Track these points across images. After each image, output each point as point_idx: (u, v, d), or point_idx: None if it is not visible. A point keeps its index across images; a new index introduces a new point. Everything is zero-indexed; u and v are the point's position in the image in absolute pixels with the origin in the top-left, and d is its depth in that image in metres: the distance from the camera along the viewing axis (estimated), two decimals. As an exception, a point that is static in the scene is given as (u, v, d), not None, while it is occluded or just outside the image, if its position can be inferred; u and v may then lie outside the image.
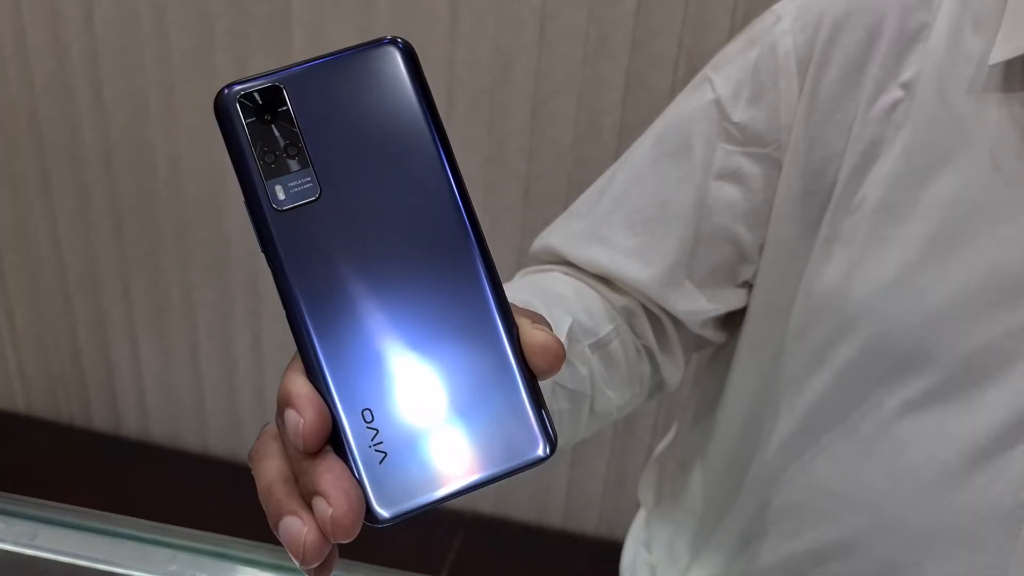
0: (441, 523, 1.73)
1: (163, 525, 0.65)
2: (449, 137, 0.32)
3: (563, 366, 0.51)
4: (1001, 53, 0.50)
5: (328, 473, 0.29)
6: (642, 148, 0.62)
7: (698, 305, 0.60)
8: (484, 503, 1.73)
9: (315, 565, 0.30)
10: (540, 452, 0.31)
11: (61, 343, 1.83)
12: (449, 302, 0.31)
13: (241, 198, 0.31)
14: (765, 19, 0.58)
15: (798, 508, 0.61)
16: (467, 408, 0.31)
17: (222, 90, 0.31)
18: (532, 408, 0.31)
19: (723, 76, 0.58)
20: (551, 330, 0.33)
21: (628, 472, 1.62)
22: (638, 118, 1.34)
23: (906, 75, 0.53)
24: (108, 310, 1.77)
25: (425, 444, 0.31)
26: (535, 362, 0.31)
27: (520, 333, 0.32)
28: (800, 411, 0.60)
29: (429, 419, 0.31)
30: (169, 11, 1.46)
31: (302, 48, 1.42)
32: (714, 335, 0.64)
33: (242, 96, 0.31)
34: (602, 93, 1.35)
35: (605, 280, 0.61)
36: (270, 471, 0.31)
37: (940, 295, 0.53)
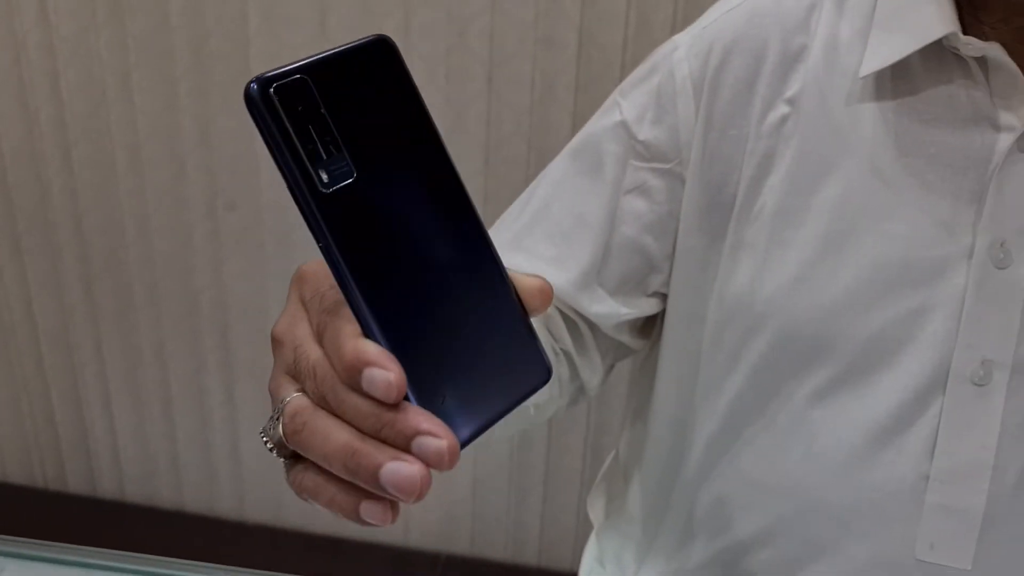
0: (418, 564, 1.74)
1: (134, 554, 0.67)
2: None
3: None
4: (870, 66, 0.56)
5: (420, 415, 0.32)
6: (560, 166, 0.67)
7: (610, 308, 0.64)
8: (460, 544, 1.75)
9: (421, 499, 0.32)
10: (545, 377, 0.38)
11: (35, 406, 1.84)
12: (464, 263, 0.36)
13: (286, 195, 0.33)
14: (665, 48, 0.64)
15: (727, 502, 0.65)
16: (491, 349, 0.37)
17: (251, 82, 0.33)
18: (535, 341, 0.38)
19: (630, 100, 0.64)
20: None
21: (599, 505, 1.65)
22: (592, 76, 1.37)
23: (790, 92, 0.59)
24: (81, 370, 1.79)
25: (468, 383, 0.36)
26: (532, 303, 0.37)
27: (516, 282, 0.37)
28: (722, 409, 0.64)
29: (467, 362, 0.36)
30: (133, 76, 1.52)
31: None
32: (631, 340, 0.68)
33: (277, 86, 0.33)
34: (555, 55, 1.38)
35: None
36: (339, 436, 0.33)
37: (835, 289, 0.58)
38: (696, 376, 0.66)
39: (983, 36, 0.54)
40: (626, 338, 0.67)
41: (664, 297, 0.66)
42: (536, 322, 0.63)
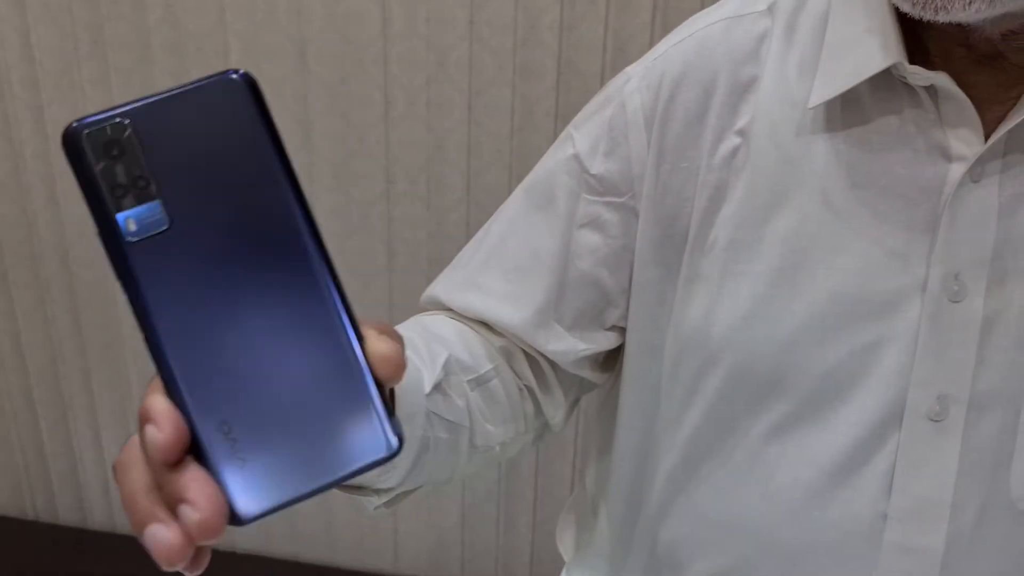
0: (408, 596, 1.72)
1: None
2: (294, 164, 0.34)
3: (440, 398, 0.54)
4: (819, 96, 0.55)
5: (193, 482, 0.32)
6: (515, 202, 0.66)
7: (567, 345, 0.64)
8: (449, 570, 1.73)
9: (176, 568, 0.32)
10: (385, 451, 0.34)
11: (25, 439, 1.84)
12: (297, 319, 0.34)
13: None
14: (618, 80, 0.63)
15: (687, 539, 0.64)
16: (317, 415, 0.34)
17: (68, 126, 0.32)
18: (378, 411, 0.34)
19: (582, 133, 0.63)
20: (397, 340, 0.36)
21: (590, 532, 1.63)
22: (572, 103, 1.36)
23: (741, 123, 0.58)
24: (70, 402, 1.78)
25: (279, 452, 0.33)
26: (377, 370, 0.34)
27: (365, 344, 0.34)
28: (680, 444, 0.63)
29: (283, 430, 0.33)
30: (117, 109, 1.52)
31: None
32: (592, 375, 0.67)
33: (88, 132, 0.32)
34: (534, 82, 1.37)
35: (485, 324, 0.65)
36: (134, 481, 0.33)
37: (789, 323, 0.57)
38: (656, 409, 0.65)
39: (931, 65, 0.54)
40: (587, 373, 0.67)
41: (622, 331, 0.66)
42: (500, 359, 0.62)
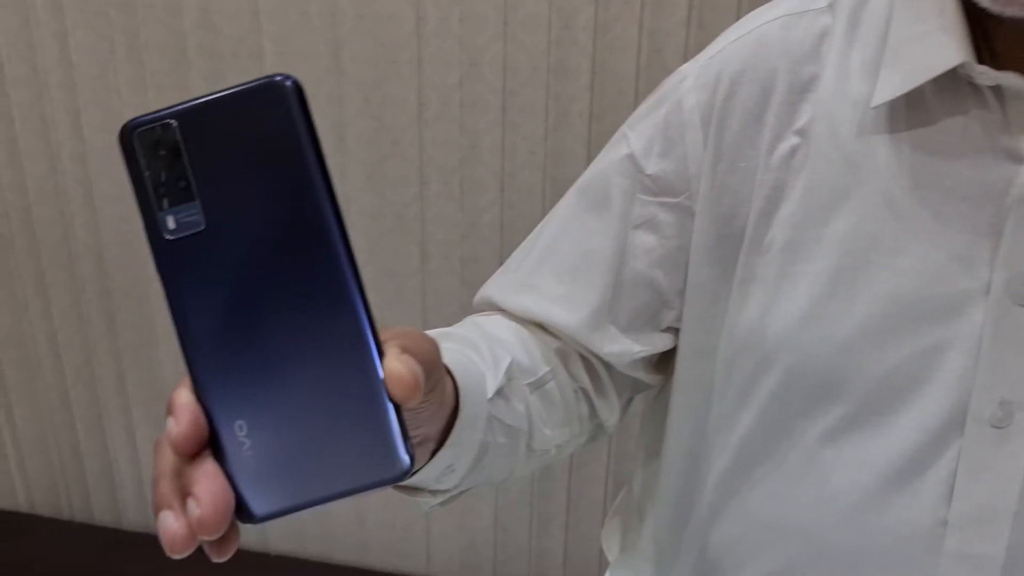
0: (440, 597, 1.72)
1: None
2: (331, 171, 0.34)
3: (502, 403, 0.54)
4: (882, 95, 0.54)
5: (202, 477, 0.33)
6: (568, 203, 0.66)
7: (623, 347, 0.63)
8: (482, 573, 1.73)
9: (181, 556, 0.33)
10: (395, 473, 0.34)
11: (61, 439, 1.86)
12: (321, 330, 0.34)
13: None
14: (673, 79, 0.62)
15: (738, 543, 0.63)
16: (331, 427, 0.34)
17: (124, 125, 0.34)
18: (391, 431, 0.34)
19: (637, 133, 0.63)
20: (425, 358, 0.35)
21: (623, 534, 1.62)
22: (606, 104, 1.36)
23: (800, 123, 0.57)
24: (105, 403, 1.80)
25: (291, 457, 0.34)
26: (391, 390, 0.34)
27: (383, 362, 0.34)
28: (732, 447, 0.62)
29: (296, 437, 0.34)
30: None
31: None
32: (647, 376, 0.67)
33: (140, 131, 0.33)
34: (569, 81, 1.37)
35: (540, 326, 0.65)
36: (162, 463, 0.34)
37: (847, 325, 0.56)
38: (708, 411, 0.64)
39: (998, 65, 0.52)
40: (641, 375, 0.66)
41: (677, 332, 0.65)
42: (556, 360, 0.62)
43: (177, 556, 0.33)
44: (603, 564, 1.66)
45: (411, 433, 0.41)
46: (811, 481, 0.59)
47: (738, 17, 1.28)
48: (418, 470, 0.48)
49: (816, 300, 0.57)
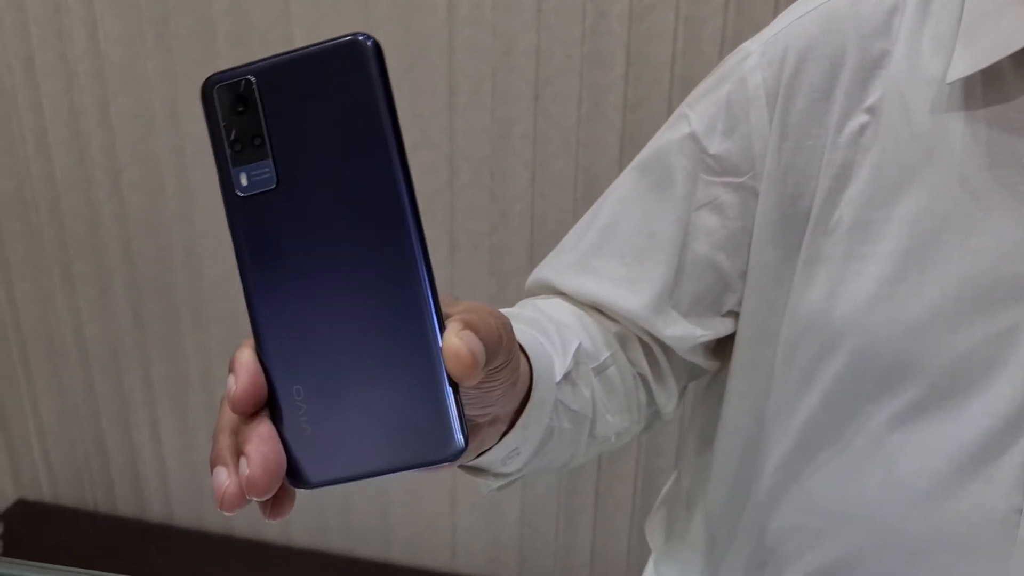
0: (466, 592, 1.71)
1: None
2: (404, 136, 0.33)
3: (569, 388, 0.53)
4: (958, 71, 0.53)
5: (256, 437, 0.33)
6: (628, 183, 0.64)
7: (685, 331, 0.62)
8: (507, 569, 1.72)
9: (232, 512, 0.33)
10: (449, 453, 0.33)
11: (86, 431, 1.86)
12: (386, 300, 0.33)
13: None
14: (734, 57, 0.61)
15: (799, 530, 0.62)
16: (388, 402, 0.33)
17: (206, 79, 0.34)
18: (448, 409, 0.33)
19: (698, 112, 0.61)
20: (488, 335, 0.34)
21: (651, 530, 1.61)
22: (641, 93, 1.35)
23: (870, 100, 0.56)
24: (130, 395, 1.80)
25: (346, 427, 0.33)
26: (448, 367, 0.33)
27: (443, 337, 0.33)
28: (794, 432, 0.61)
29: (352, 406, 0.33)
30: (179, 102, 1.53)
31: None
32: (705, 362, 0.65)
33: (220, 86, 0.33)
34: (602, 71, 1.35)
35: (597, 309, 0.63)
36: (222, 419, 0.34)
37: (918, 307, 0.54)
38: (768, 395, 0.63)
39: None
40: (700, 360, 0.65)
41: (737, 316, 0.63)
42: (616, 345, 0.61)
43: (228, 512, 0.33)
44: (631, 560, 1.65)
45: (480, 412, 0.40)
46: (878, 466, 0.57)
47: (776, 4, 1.27)
48: (486, 451, 0.47)
49: (885, 281, 0.55)
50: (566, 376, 0.54)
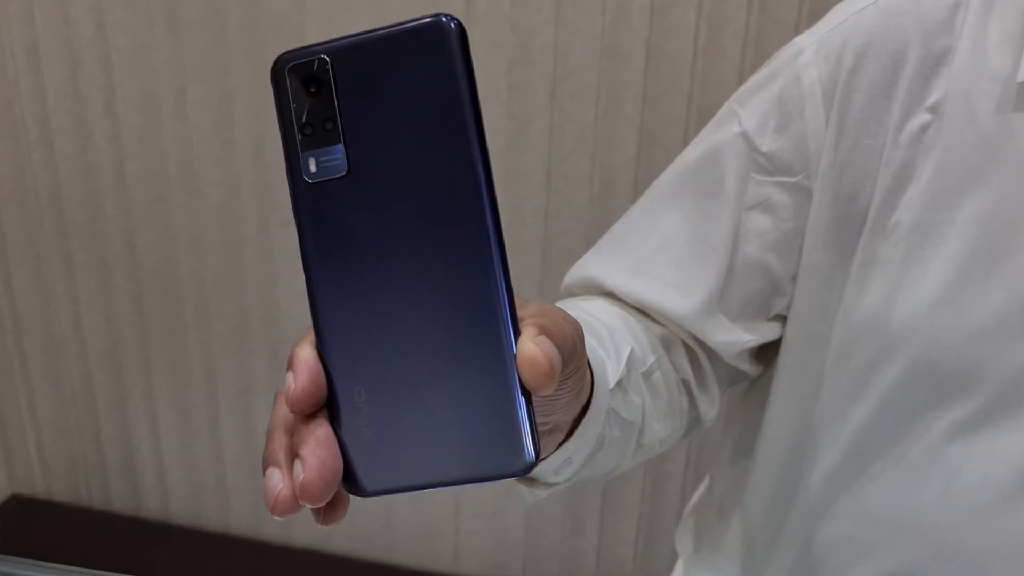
0: (469, 595, 1.69)
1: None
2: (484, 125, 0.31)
3: (621, 395, 0.51)
4: None
5: (313, 440, 0.31)
6: (676, 183, 0.62)
7: (734, 336, 0.60)
8: (511, 573, 1.69)
9: (283, 517, 0.31)
10: (519, 467, 0.30)
11: (82, 424, 1.82)
12: (458, 299, 0.31)
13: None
14: (786, 52, 0.59)
15: (848, 540, 0.60)
16: (455, 409, 0.31)
17: (277, 58, 0.31)
18: (520, 420, 0.30)
19: (748, 110, 0.59)
20: (563, 342, 0.32)
21: (657, 536, 1.59)
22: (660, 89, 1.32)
23: (933, 98, 0.54)
24: (129, 389, 1.76)
25: (409, 434, 0.31)
26: (522, 375, 0.30)
27: (518, 343, 0.31)
28: (845, 440, 0.59)
29: (416, 411, 0.31)
30: (188, 92, 1.50)
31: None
32: (749, 367, 0.63)
33: (292, 65, 0.31)
34: (621, 67, 1.33)
35: (642, 311, 0.61)
36: (277, 417, 0.33)
37: (982, 314, 0.53)
38: (816, 402, 0.61)
39: None
40: (745, 365, 0.63)
41: (784, 321, 0.61)
42: (661, 350, 0.58)
43: (279, 517, 0.31)
44: (637, 566, 1.63)
45: (543, 420, 0.38)
46: (936, 477, 0.55)
47: (801, 3, 1.24)
48: (543, 459, 0.45)
49: (948, 286, 0.53)
50: (619, 383, 0.52)
